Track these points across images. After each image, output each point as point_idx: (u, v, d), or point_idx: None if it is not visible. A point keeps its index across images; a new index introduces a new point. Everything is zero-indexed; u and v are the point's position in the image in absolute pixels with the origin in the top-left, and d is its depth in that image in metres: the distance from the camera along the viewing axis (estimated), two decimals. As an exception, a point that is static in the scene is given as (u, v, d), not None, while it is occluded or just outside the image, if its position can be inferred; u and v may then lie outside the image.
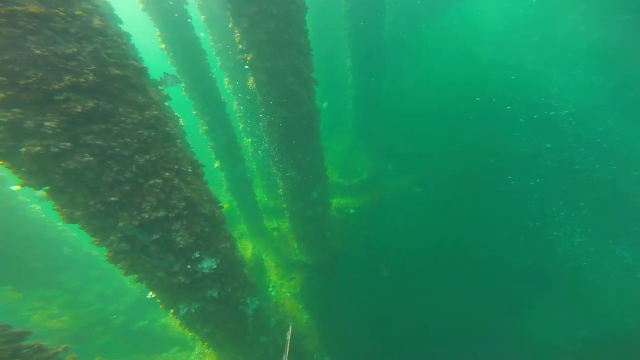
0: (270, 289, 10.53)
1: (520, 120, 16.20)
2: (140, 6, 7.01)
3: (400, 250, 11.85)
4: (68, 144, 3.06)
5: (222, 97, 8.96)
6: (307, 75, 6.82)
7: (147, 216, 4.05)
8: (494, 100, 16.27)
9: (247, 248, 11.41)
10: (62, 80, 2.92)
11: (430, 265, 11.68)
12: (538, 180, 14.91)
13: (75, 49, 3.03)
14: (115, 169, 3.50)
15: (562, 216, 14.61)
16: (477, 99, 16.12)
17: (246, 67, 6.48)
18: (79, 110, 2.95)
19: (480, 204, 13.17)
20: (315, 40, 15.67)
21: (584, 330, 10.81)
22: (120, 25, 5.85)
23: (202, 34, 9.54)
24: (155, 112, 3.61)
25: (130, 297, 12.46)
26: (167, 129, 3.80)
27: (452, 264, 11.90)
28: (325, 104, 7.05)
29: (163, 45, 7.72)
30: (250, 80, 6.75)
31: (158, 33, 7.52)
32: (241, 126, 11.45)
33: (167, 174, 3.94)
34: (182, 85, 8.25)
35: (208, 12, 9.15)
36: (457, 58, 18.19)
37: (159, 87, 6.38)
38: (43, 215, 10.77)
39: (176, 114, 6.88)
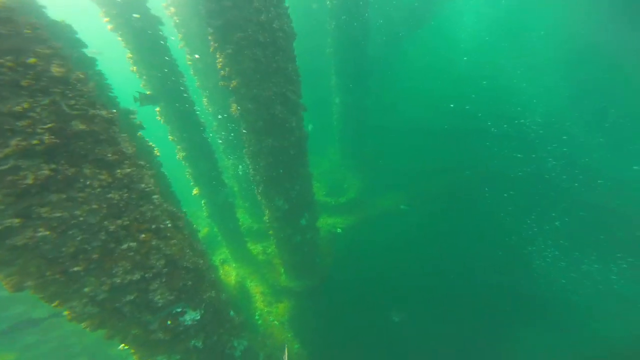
0: (256, 317, 9.94)
1: (493, 130, 16.78)
2: (109, 27, 6.34)
3: (387, 270, 11.67)
4: (16, 220, 2.49)
5: (201, 120, 8.38)
6: (296, 102, 6.46)
7: (119, 280, 3.51)
8: (469, 113, 16.78)
9: (230, 275, 10.75)
10: (7, 146, 2.37)
11: (416, 285, 11.57)
12: (512, 192, 15.28)
13: (26, 105, 2.49)
14: (79, 238, 2.95)
15: (535, 230, 14.92)
16: (451, 105, 16.54)
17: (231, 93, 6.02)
18: (29, 182, 2.40)
19: (462, 221, 13.32)
20: (300, 56, 15.63)
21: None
22: (86, 47, 5.19)
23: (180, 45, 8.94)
24: (129, 170, 3.09)
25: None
26: (142, 185, 3.28)
27: (437, 284, 11.83)
28: (310, 126, 6.72)
29: (134, 68, 7.06)
30: (234, 106, 6.28)
31: (129, 55, 6.85)
32: (222, 147, 10.86)
33: (143, 235, 3.41)
34: (158, 108, 7.60)
35: (185, 30, 8.58)
36: (436, 72, 18.63)
37: (133, 112, 5.74)
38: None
39: (150, 143, 6.28)
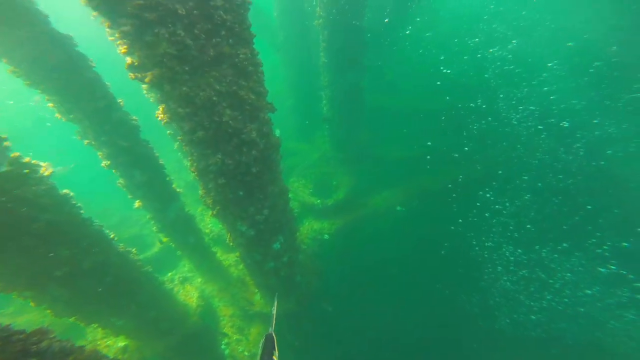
0: (222, 346, 8.57)
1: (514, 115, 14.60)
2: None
3: (380, 283, 10.28)
4: None
5: (132, 118, 6.29)
6: (256, 104, 4.41)
7: None
8: (485, 92, 14.52)
9: (191, 295, 9.17)
10: None
11: (410, 301, 10.21)
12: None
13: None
14: None
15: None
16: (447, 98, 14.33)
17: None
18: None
19: (463, 221, 11.71)
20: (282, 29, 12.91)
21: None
22: None
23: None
24: None
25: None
26: None
27: (433, 299, 10.46)
28: (277, 132, 4.89)
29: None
30: (161, 109, 4.23)
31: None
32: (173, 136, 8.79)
33: None
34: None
35: None
36: (446, 45, 16.12)
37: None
38: None
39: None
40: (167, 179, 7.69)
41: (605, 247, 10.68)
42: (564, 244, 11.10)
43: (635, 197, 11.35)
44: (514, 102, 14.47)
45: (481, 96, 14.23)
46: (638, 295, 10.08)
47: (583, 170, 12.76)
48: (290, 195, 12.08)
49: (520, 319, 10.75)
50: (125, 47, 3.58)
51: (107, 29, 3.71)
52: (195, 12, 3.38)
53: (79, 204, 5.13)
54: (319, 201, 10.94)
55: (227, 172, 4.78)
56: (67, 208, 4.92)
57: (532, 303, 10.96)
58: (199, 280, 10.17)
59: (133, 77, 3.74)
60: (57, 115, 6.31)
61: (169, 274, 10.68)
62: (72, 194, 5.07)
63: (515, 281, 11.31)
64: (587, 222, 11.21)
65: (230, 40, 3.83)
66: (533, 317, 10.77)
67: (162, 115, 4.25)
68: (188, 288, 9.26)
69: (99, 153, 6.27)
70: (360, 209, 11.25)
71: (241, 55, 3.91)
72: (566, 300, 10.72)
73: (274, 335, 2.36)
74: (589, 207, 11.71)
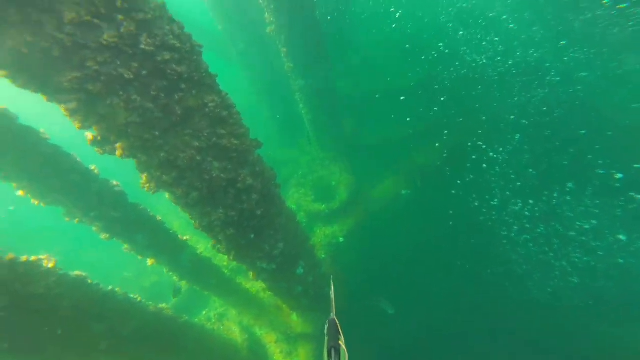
0: (277, 374, 8.57)
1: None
2: None
3: (404, 273, 10.21)
4: None
5: (114, 184, 6.01)
6: (241, 148, 4.18)
7: None
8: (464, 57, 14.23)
9: (233, 331, 9.13)
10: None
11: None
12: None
13: None
14: None
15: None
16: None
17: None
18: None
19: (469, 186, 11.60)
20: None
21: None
22: None
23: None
24: None
25: None
26: None
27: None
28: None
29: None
30: (144, 178, 3.95)
31: None
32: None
33: None
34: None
35: None
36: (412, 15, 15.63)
37: None
38: None
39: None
40: (171, 231, 7.46)
41: (618, 176, 9.73)
42: (570, 184, 10.64)
43: (612, 126, 10.76)
44: (476, 42, 14.16)
45: (444, 43, 13.90)
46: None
47: (561, 99, 12.57)
48: (294, 207, 11.99)
49: (559, 285, 9.82)
50: (78, 123, 3.24)
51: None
52: (143, 72, 3.08)
53: (95, 282, 5.02)
54: (324, 207, 10.81)
55: (232, 223, 4.58)
56: (84, 289, 4.85)
57: (563, 263, 9.98)
58: (234, 312, 10.08)
59: (101, 152, 3.46)
60: (34, 201, 5.98)
61: (204, 312, 10.57)
62: (84, 274, 4.96)
63: (536, 240, 10.46)
64: (584, 153, 10.90)
65: (194, 91, 3.56)
66: (575, 279, 9.69)
67: (147, 185, 3.99)
68: (227, 324, 9.26)
69: (93, 228, 5.98)
70: (367, 204, 11.16)
71: (210, 104, 3.65)
72: (600, 253, 9.67)
73: (336, 319, 2.20)
74: (583, 131, 11.54)
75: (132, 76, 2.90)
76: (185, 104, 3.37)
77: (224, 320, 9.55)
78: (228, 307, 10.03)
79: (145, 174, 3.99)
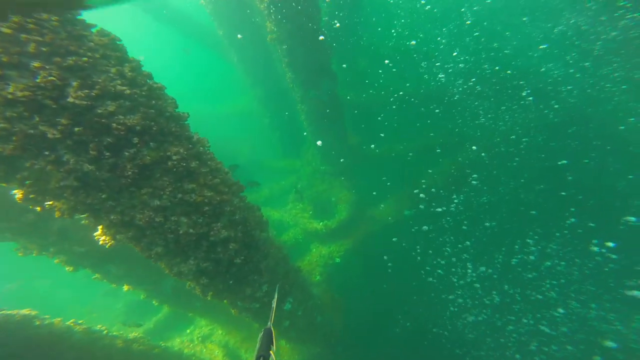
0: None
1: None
2: None
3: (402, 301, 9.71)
4: None
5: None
6: (216, 199, 3.69)
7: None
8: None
9: (216, 355, 8.78)
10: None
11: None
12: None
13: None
14: None
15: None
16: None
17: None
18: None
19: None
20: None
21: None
22: None
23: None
24: None
25: None
26: None
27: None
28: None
29: None
30: (100, 230, 3.49)
31: None
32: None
33: None
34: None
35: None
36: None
37: None
38: None
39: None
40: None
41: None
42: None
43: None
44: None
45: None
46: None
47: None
48: (290, 222, 11.48)
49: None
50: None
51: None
52: (77, 129, 2.54)
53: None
54: (321, 225, 10.29)
55: (207, 272, 4.14)
56: (76, 336, 4.57)
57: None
58: (220, 332, 9.76)
59: (40, 209, 2.99)
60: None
61: (188, 330, 10.28)
62: (73, 324, 4.73)
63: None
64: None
65: (152, 144, 3.04)
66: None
67: (103, 239, 3.52)
68: (210, 347, 8.87)
69: (55, 261, 5.53)
70: (367, 224, 10.62)
71: (174, 157, 3.13)
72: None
73: (272, 329, 2.27)
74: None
75: (58, 135, 2.40)
76: (139, 162, 2.87)
77: (207, 343, 9.20)
78: (215, 325, 9.70)
79: (102, 226, 3.54)
